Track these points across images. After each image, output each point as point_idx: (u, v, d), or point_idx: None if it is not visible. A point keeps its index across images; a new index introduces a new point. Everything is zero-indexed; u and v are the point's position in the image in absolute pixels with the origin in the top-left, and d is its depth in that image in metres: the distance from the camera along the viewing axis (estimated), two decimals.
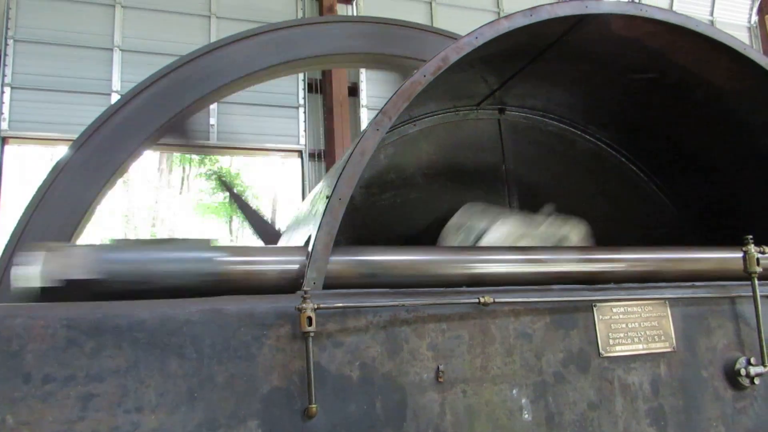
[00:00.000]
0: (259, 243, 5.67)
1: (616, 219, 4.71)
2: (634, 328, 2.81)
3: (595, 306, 2.77)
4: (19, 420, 1.90)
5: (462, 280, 2.77)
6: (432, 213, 4.62)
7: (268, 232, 5.52)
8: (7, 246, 4.14)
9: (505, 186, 4.75)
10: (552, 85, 4.29)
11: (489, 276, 2.85)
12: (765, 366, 2.92)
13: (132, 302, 2.16)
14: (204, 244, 2.53)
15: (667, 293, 2.96)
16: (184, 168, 24.60)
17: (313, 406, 2.18)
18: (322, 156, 12.99)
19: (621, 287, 2.97)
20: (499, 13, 14.89)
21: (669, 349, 2.86)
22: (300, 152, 13.01)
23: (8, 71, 11.14)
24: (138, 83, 4.76)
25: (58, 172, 4.38)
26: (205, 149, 12.60)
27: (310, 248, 2.48)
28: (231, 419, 2.12)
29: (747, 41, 16.93)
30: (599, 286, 2.94)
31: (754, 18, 18.01)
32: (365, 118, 13.10)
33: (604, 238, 4.10)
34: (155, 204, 23.85)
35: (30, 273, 2.25)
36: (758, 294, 2.94)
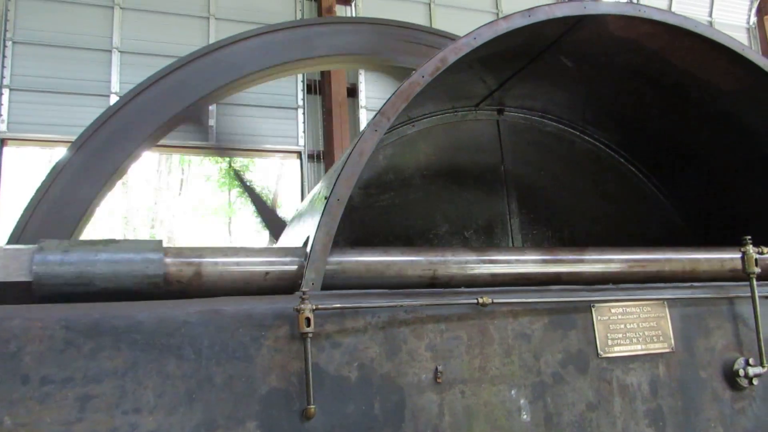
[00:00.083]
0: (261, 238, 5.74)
1: (615, 219, 4.72)
2: (632, 328, 2.81)
3: (593, 306, 2.77)
4: (18, 421, 1.90)
5: (460, 281, 2.77)
6: (431, 214, 4.63)
7: (276, 224, 5.58)
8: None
9: (503, 186, 4.76)
10: (551, 86, 4.29)
11: (487, 277, 2.85)
12: (763, 366, 2.92)
13: (131, 303, 2.16)
14: (154, 245, 2.42)
15: (665, 294, 2.96)
16: (183, 169, 24.60)
17: (312, 407, 2.18)
18: (321, 157, 12.99)
19: (619, 288, 2.97)
20: (497, 14, 14.89)
21: (667, 350, 2.86)
22: (299, 153, 13.01)
23: (7, 73, 11.13)
24: (137, 85, 4.76)
25: (57, 173, 4.38)
26: (204, 150, 12.59)
27: (308, 249, 2.48)
28: (229, 420, 2.12)
29: (746, 42, 16.96)
30: (598, 286, 2.94)
31: (753, 19, 18.02)
32: (364, 119, 13.10)
33: (602, 238, 4.10)
34: (154, 205, 23.85)
35: None
36: (757, 294, 2.94)
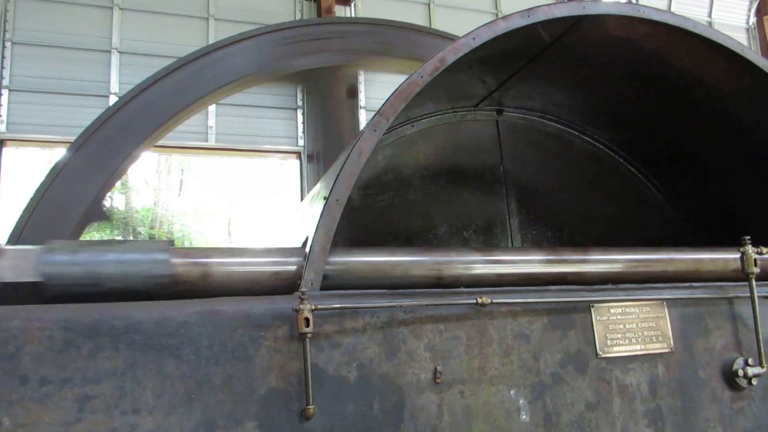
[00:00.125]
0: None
1: (614, 219, 4.72)
2: (631, 328, 2.81)
3: (592, 307, 2.77)
4: (16, 422, 1.90)
5: (459, 281, 2.77)
6: (430, 214, 4.63)
7: None
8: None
9: (503, 187, 4.76)
10: (550, 86, 4.29)
11: (487, 277, 2.85)
12: (763, 367, 2.92)
13: (129, 303, 2.16)
14: (162, 245, 2.45)
15: (664, 294, 2.96)
16: (182, 170, 24.60)
17: (311, 407, 2.18)
18: (321, 157, 12.97)
19: (619, 288, 2.97)
20: (497, 15, 14.89)
21: (667, 350, 2.86)
22: (299, 154, 13.00)
23: (6, 74, 11.11)
24: (136, 85, 4.76)
25: (57, 173, 4.38)
26: (203, 151, 12.60)
27: (307, 249, 2.48)
28: (228, 420, 2.11)
29: (745, 42, 16.97)
30: (597, 286, 2.94)
31: (752, 19, 18.02)
32: (364, 119, 13.09)
33: (602, 239, 4.10)
34: (154, 206, 23.84)
35: None
36: (756, 295, 2.95)
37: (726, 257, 3.28)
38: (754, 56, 3.40)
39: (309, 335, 2.20)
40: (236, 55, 5.00)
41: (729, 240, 3.31)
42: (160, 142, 5.43)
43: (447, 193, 4.66)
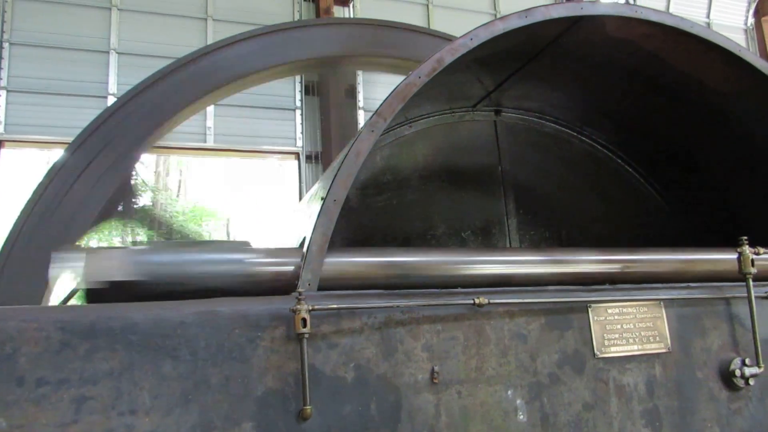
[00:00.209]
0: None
1: (612, 220, 4.73)
2: (629, 329, 2.82)
3: (589, 307, 2.77)
4: (13, 423, 1.89)
5: (457, 281, 2.77)
6: (428, 215, 4.63)
7: None
8: (3, 248, 4.14)
9: (501, 187, 4.77)
10: (548, 87, 4.30)
11: (484, 277, 2.85)
12: (760, 367, 2.93)
13: (126, 304, 2.16)
14: (238, 246, 2.61)
15: (662, 294, 2.96)
16: (181, 171, 24.57)
17: (308, 407, 2.18)
18: (319, 158, 12.98)
19: (616, 288, 2.98)
20: (495, 15, 14.92)
21: (664, 350, 2.86)
22: (297, 154, 13.01)
23: (4, 74, 11.12)
24: (134, 86, 4.76)
25: (54, 174, 4.38)
26: (202, 152, 12.60)
27: (304, 249, 2.47)
28: (225, 421, 2.11)
29: (743, 43, 16.98)
30: (594, 286, 2.94)
31: (751, 20, 18.06)
32: (363, 120, 13.10)
33: (600, 239, 4.10)
34: (152, 206, 23.79)
35: (71, 274, 2.31)
36: (753, 295, 2.95)
37: (723, 257, 3.28)
38: (752, 57, 3.40)
39: (306, 336, 2.20)
40: (235, 55, 5.00)
41: (725, 240, 3.31)
42: (159, 143, 5.44)
43: (445, 193, 4.66)
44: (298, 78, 12.88)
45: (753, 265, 2.98)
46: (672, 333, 2.90)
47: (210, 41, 11.68)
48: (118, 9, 12.08)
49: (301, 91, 13.10)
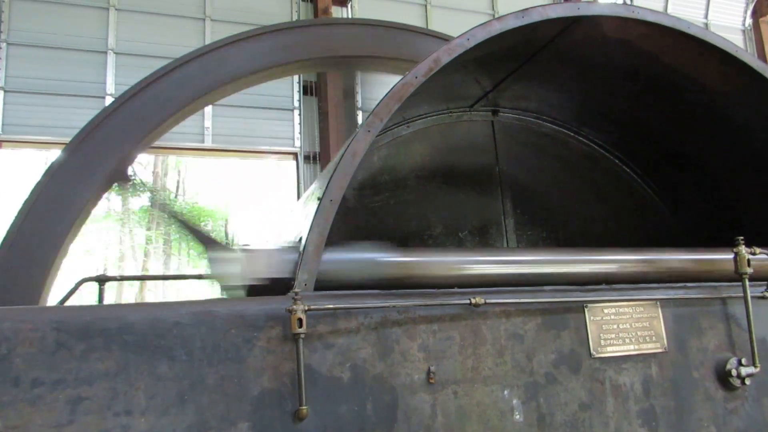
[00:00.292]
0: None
1: (609, 220, 4.73)
2: (625, 328, 2.82)
3: (586, 307, 2.78)
4: (8, 424, 1.89)
5: (453, 281, 2.77)
6: (426, 215, 4.63)
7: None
8: (0, 248, 4.13)
9: (498, 187, 4.76)
10: (545, 87, 4.30)
11: (480, 277, 2.85)
12: (756, 366, 2.93)
13: (122, 305, 2.16)
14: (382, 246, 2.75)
15: (658, 294, 2.97)
16: (179, 171, 24.57)
17: (304, 407, 2.18)
18: (318, 158, 12.98)
19: (612, 288, 2.98)
20: (493, 15, 14.92)
21: (660, 350, 2.86)
22: (295, 155, 13.00)
23: (1, 75, 11.09)
24: (132, 86, 4.75)
25: (52, 175, 4.36)
26: (200, 152, 12.59)
27: (301, 250, 2.47)
28: (221, 422, 2.11)
29: (741, 44, 17.01)
30: (591, 287, 2.94)
31: (749, 21, 18.07)
32: (361, 120, 13.08)
33: (597, 239, 4.10)
34: (150, 207, 23.78)
35: (230, 272, 2.54)
36: (749, 295, 2.95)
37: (719, 257, 3.29)
38: (749, 57, 3.41)
39: (302, 336, 2.20)
40: (233, 55, 4.99)
41: (722, 240, 3.31)
42: (156, 144, 5.42)
43: (442, 193, 4.66)
44: (296, 78, 12.87)
45: (749, 264, 2.99)
46: (668, 333, 2.90)
47: (208, 41, 11.67)
48: (116, 9, 12.07)
49: (299, 91, 13.09)
